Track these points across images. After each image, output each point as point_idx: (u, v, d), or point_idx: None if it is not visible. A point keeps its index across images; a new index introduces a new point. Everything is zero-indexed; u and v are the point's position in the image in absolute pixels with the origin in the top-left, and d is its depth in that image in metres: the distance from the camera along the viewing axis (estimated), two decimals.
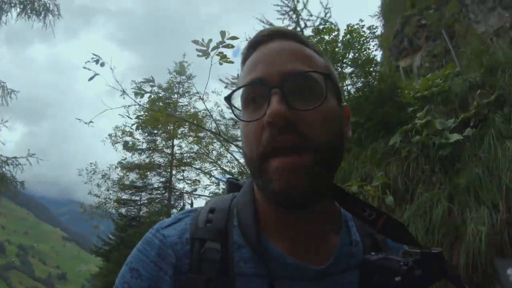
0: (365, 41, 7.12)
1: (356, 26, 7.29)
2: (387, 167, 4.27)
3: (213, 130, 9.92)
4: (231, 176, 0.95)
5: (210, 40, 3.77)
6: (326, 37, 6.97)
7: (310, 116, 0.65)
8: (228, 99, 0.71)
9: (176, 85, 16.20)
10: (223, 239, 0.71)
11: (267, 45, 0.72)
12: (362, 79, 6.12)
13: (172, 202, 16.85)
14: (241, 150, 0.94)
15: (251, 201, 0.76)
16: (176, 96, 16.08)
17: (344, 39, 6.92)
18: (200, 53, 3.80)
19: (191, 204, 16.34)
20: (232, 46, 3.84)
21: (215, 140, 11.35)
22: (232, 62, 3.83)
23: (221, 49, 3.80)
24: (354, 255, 0.75)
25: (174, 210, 16.56)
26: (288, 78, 0.65)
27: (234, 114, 0.73)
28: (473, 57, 5.45)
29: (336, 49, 6.78)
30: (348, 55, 6.61)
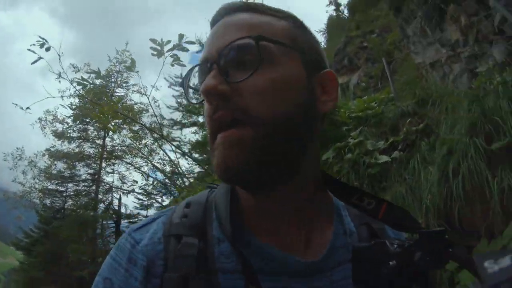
0: None
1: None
2: None
3: (148, 126, 9.66)
4: (211, 183, 0.86)
5: (169, 41, 3.92)
6: None
7: (248, 87, 0.60)
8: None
9: (115, 74, 15.38)
10: (201, 233, 0.66)
11: (216, 25, 0.69)
12: None
13: (100, 196, 16.03)
14: (176, 150, 0.86)
15: (228, 191, 0.70)
16: (113, 85, 15.29)
17: None
18: (155, 53, 3.90)
19: (119, 200, 15.68)
20: (187, 50, 3.94)
21: (148, 135, 11.00)
22: (184, 65, 3.94)
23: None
24: (350, 246, 0.68)
25: (102, 205, 15.82)
26: (223, 51, 0.62)
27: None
28: (407, 87, 5.85)
29: None
30: None
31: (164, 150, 8.76)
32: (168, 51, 3.88)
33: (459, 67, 7.32)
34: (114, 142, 14.90)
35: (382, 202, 0.67)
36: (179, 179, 12.62)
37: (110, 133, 14.24)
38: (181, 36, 3.83)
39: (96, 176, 15.13)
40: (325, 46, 15.86)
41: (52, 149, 15.01)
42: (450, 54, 7.57)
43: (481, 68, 6.67)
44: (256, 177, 0.61)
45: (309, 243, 0.69)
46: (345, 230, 0.72)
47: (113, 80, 15.36)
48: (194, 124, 7.46)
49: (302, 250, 0.67)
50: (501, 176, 2.87)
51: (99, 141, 14.93)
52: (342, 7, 16.66)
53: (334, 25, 16.81)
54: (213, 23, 0.70)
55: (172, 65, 4.00)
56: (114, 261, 0.66)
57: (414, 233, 0.61)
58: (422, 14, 7.76)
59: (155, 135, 9.36)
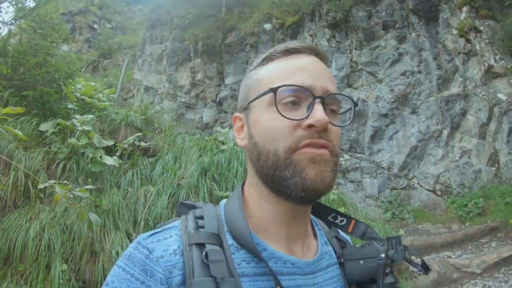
0: None
1: None
2: (32, 154, 3.66)
3: None
4: (185, 200, 0.85)
5: None
6: None
7: (335, 131, 0.74)
8: (275, 90, 0.71)
9: None
10: (220, 242, 0.69)
11: (307, 56, 0.76)
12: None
13: None
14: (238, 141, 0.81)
15: (241, 207, 0.75)
16: None
17: None
18: None
19: None
20: None
21: None
22: None
23: None
24: (330, 254, 0.84)
25: None
26: (330, 95, 0.72)
27: (277, 108, 0.70)
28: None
29: None
30: None
31: None
32: None
33: (170, 105, 8.27)
34: None
35: (351, 219, 0.88)
36: None
37: None
38: None
39: None
40: None
41: None
42: (170, 92, 8.49)
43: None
44: (324, 194, 0.73)
45: (305, 250, 0.80)
46: (325, 241, 0.86)
47: None
48: None
49: (302, 254, 0.78)
50: None
51: None
52: None
53: None
54: (296, 51, 0.77)
55: None
56: (124, 272, 0.64)
57: (378, 241, 0.82)
58: (170, 46, 8.40)
59: None
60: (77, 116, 4.36)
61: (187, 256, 0.66)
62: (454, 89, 7.59)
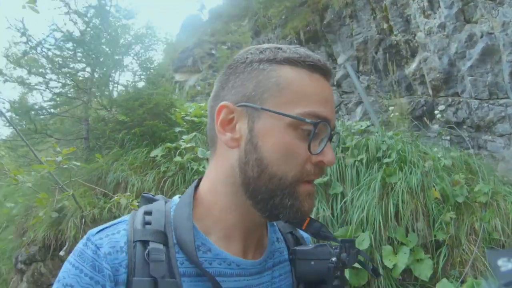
0: (155, 41, 7.18)
1: (154, 25, 7.12)
2: (144, 177, 4.17)
3: None
4: (146, 193, 0.85)
5: None
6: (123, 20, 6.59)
7: None
8: (316, 124, 0.69)
9: None
10: (164, 240, 0.69)
11: (325, 81, 0.74)
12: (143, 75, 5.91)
13: None
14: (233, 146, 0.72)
15: (190, 212, 0.73)
16: None
17: (139, 30, 6.78)
18: None
19: None
20: None
21: None
22: (37, 12, 3.42)
23: None
24: (281, 251, 0.85)
25: None
26: (336, 133, 0.76)
27: (309, 145, 0.69)
28: None
29: (127, 36, 6.51)
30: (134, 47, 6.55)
31: None
32: None
33: None
34: None
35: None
36: None
37: None
38: None
39: None
40: (175, 40, 15.57)
41: None
42: None
43: None
44: None
45: (257, 248, 0.80)
46: (277, 238, 0.87)
47: None
48: (21, 81, 5.90)
49: (251, 253, 0.78)
50: (317, 206, 3.37)
51: None
52: (205, 10, 16.73)
53: (190, 23, 16.68)
54: (319, 69, 0.73)
55: (24, 7, 3.47)
56: (74, 268, 0.66)
57: (330, 241, 0.83)
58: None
59: None
60: (184, 137, 4.68)
61: (130, 253, 0.66)
62: None
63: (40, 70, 5.60)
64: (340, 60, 6.71)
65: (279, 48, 0.74)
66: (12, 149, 5.86)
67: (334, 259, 0.75)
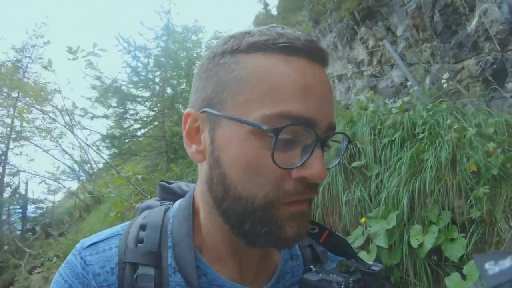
0: None
1: (223, 33, 7.67)
2: None
3: (60, 108, 9.54)
4: (163, 180, 0.81)
5: (82, 50, 4.89)
6: (193, 37, 7.20)
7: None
8: (277, 132, 0.52)
9: (30, 48, 14.37)
10: (157, 261, 0.62)
11: (311, 65, 0.57)
12: None
13: (6, 180, 14.87)
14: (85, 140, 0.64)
15: (190, 227, 0.65)
16: (28, 60, 14.27)
17: (208, 42, 7.21)
18: (71, 58, 4.83)
19: (26, 184, 14.79)
20: (100, 56, 4.92)
21: (59, 119, 10.64)
22: (97, 70, 4.97)
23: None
24: (296, 270, 0.72)
25: (8, 189, 14.79)
26: (332, 133, 0.58)
27: (273, 157, 0.53)
28: None
29: (198, 50, 7.09)
30: None
31: (75, 134, 8.53)
32: (82, 57, 4.83)
33: (361, 83, 8.03)
34: (23, 122, 13.80)
35: (325, 229, 0.72)
36: (88, 165, 12.35)
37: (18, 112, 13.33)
38: (94, 45, 4.89)
39: (3, 158, 14.02)
40: None
41: None
42: (355, 71, 8.27)
43: (380, 86, 7.38)
44: None
45: (259, 271, 0.69)
46: (292, 255, 0.74)
47: (28, 55, 14.32)
48: (105, 116, 7.43)
49: (253, 278, 0.68)
50: (354, 189, 3.41)
51: (8, 120, 13.84)
52: (269, 7, 16.95)
53: (260, 23, 17.09)
54: (298, 50, 0.56)
55: (86, 68, 5.18)
56: (64, 281, 0.62)
57: (349, 259, 0.70)
58: (336, 30, 8.33)
59: (66, 118, 9.12)
60: None
61: (120, 276, 0.61)
62: None
63: (115, 104, 6.95)
64: (398, 31, 6.39)
65: (247, 33, 0.58)
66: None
67: None
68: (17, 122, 13.19)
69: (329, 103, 0.58)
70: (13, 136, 13.44)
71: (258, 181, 0.55)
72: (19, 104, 10.94)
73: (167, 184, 0.79)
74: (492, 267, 0.50)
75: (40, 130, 11.97)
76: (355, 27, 8.21)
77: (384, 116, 3.79)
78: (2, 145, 14.04)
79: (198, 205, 0.67)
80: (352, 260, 0.69)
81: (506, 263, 0.49)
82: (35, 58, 14.54)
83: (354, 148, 3.68)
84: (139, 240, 0.64)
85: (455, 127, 2.89)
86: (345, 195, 3.44)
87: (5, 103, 11.85)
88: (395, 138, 3.24)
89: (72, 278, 0.61)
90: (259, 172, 0.54)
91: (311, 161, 0.54)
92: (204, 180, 0.62)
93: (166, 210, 0.70)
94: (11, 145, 13.62)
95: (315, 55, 0.57)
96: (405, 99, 4.45)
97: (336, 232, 0.72)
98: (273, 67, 0.54)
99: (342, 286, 0.60)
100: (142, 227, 0.66)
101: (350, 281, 0.60)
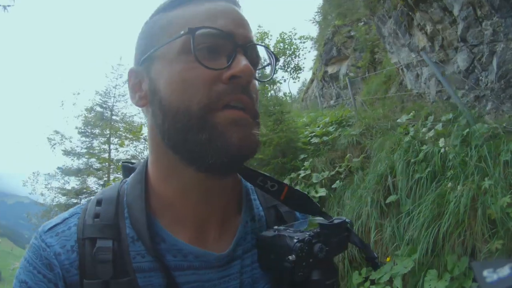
0: (295, 50, 7.54)
1: (288, 34, 7.57)
2: None
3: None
4: (125, 161, 0.83)
5: None
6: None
7: (255, 88, 0.66)
8: (193, 32, 0.59)
9: (112, 89, 16.12)
10: (115, 233, 0.64)
11: (224, 2, 0.66)
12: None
13: None
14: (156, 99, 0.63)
15: (142, 189, 0.67)
16: (112, 100, 16.02)
17: (276, 46, 7.23)
18: None
19: None
20: None
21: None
22: None
23: None
24: (258, 231, 0.72)
25: None
26: (252, 45, 0.65)
27: (195, 54, 0.59)
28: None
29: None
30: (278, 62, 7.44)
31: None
32: None
33: (427, 71, 7.38)
34: (119, 153, 15.46)
35: (284, 185, 0.72)
36: None
37: (114, 146, 15.07)
38: None
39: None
40: (317, 36, 15.78)
41: (63, 167, 15.83)
42: (419, 59, 7.59)
43: (447, 73, 6.76)
44: (245, 161, 0.64)
45: (220, 233, 0.69)
46: (253, 216, 0.74)
47: (111, 95, 15.97)
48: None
49: (214, 240, 0.68)
50: (387, 225, 3.33)
51: (105, 155, 15.51)
52: None
53: (325, 14, 16.66)
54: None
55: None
56: (28, 264, 0.64)
57: (314, 215, 0.70)
58: (393, 18, 7.79)
59: None
60: (305, 163, 5.14)
61: (81, 253, 0.62)
62: None
63: None
64: (455, 11, 5.78)
65: None
66: None
67: (292, 257, 0.60)
68: (113, 155, 14.83)
69: (246, 26, 0.65)
70: (112, 167, 15.08)
71: (190, 91, 0.58)
72: (113, 139, 12.39)
73: (129, 165, 0.80)
74: (490, 275, 0.50)
75: (138, 160, 13.29)
76: (410, 13, 7.58)
77: (418, 147, 3.58)
78: (104, 177, 15.83)
79: (152, 171, 0.69)
80: (319, 217, 0.69)
81: (504, 271, 0.48)
82: (118, 97, 16.21)
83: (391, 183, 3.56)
84: (96, 215, 0.65)
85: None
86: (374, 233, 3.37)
87: (101, 140, 13.49)
88: (428, 172, 3.08)
89: (36, 260, 0.63)
90: (190, 83, 0.59)
91: (236, 61, 0.60)
92: (150, 124, 0.66)
93: (123, 183, 0.72)
94: (111, 176, 15.28)
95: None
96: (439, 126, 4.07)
97: (296, 188, 0.71)
98: (192, 8, 0.63)
99: (295, 240, 0.61)
100: (99, 203, 0.68)
101: (307, 236, 0.61)
